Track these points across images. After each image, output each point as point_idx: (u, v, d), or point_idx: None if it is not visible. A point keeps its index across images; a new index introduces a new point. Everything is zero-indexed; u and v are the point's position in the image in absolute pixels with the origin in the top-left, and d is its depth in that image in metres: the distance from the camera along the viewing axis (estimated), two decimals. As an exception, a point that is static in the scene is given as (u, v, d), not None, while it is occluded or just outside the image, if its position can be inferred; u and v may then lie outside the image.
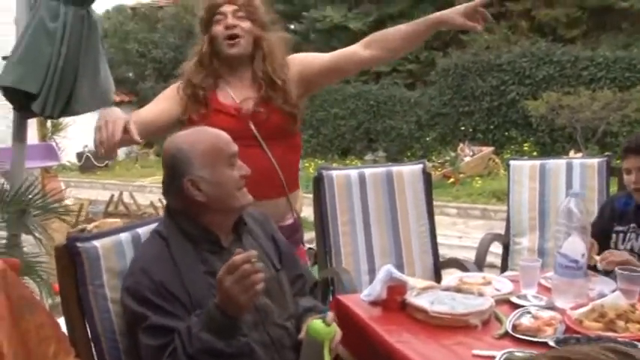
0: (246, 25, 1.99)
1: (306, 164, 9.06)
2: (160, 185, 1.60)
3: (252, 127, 1.96)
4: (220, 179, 1.50)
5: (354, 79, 12.10)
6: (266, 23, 2.05)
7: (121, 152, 12.89)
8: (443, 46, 11.59)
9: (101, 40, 2.53)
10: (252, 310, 1.46)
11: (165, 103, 2.06)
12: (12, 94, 2.40)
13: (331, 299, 2.26)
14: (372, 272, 2.51)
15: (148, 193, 8.84)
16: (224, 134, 1.58)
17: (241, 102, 2.00)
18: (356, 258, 2.59)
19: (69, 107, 2.41)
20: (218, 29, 1.99)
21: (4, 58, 2.59)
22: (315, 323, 1.40)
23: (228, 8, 1.99)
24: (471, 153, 9.25)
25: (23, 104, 2.41)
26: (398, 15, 12.08)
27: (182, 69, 2.09)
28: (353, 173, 2.65)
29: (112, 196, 6.03)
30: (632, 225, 2.19)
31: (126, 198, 6.09)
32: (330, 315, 1.41)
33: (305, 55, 2.13)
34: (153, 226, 1.66)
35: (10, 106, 2.51)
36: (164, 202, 1.63)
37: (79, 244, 1.50)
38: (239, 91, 2.02)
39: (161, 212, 1.89)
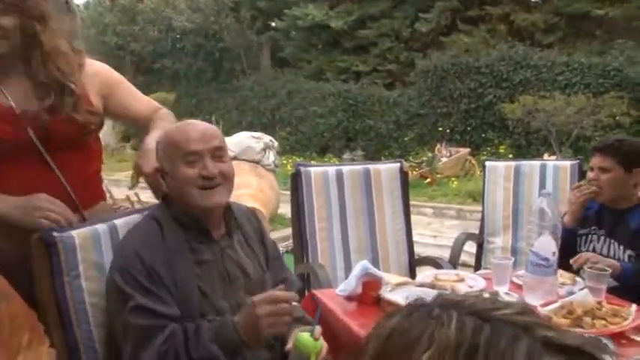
0: (7, 21, 1.54)
1: (284, 161, 9.04)
2: None
3: (33, 135, 1.56)
4: (176, 175, 1.50)
5: (333, 78, 12.13)
6: (43, 14, 1.61)
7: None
8: (423, 48, 11.69)
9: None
10: (235, 310, 1.48)
11: None
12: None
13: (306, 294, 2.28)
14: (347, 269, 2.53)
15: (124, 186, 8.74)
16: (195, 129, 1.52)
17: (20, 111, 1.58)
18: (332, 254, 2.61)
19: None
20: None
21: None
22: (303, 337, 1.39)
23: None
24: (448, 154, 9.34)
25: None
26: (379, 15, 12.15)
27: None
28: (331, 170, 2.67)
29: None
30: (592, 227, 2.27)
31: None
32: (318, 329, 1.41)
33: (116, 83, 1.85)
34: (130, 218, 1.67)
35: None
36: (140, 196, 1.63)
37: (55, 234, 1.50)
38: (16, 95, 1.60)
39: (137, 206, 1.88)
